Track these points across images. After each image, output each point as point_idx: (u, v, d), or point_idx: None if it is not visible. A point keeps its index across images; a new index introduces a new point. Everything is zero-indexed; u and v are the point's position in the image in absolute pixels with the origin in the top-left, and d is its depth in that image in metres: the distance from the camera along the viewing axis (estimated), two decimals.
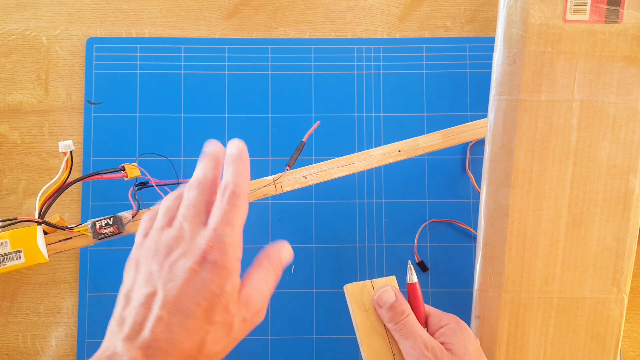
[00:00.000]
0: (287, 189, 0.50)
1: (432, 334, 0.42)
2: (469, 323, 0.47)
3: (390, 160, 0.51)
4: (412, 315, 0.42)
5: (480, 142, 0.59)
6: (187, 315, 0.33)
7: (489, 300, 0.45)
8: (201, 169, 0.39)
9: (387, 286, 0.43)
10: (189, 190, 0.38)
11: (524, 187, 0.44)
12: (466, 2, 0.63)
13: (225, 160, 0.39)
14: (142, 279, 0.35)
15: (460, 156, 0.60)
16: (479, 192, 0.53)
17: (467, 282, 0.58)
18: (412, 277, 0.44)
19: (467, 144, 0.58)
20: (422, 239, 0.59)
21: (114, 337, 0.34)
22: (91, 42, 0.61)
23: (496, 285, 0.45)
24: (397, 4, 0.63)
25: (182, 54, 0.61)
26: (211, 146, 0.40)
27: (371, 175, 0.60)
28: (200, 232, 0.36)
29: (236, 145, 0.39)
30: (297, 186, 0.50)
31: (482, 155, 0.54)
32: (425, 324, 0.44)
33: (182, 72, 0.61)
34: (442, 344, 0.41)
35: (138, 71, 0.61)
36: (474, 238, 0.59)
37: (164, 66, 0.61)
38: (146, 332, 0.33)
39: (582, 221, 0.44)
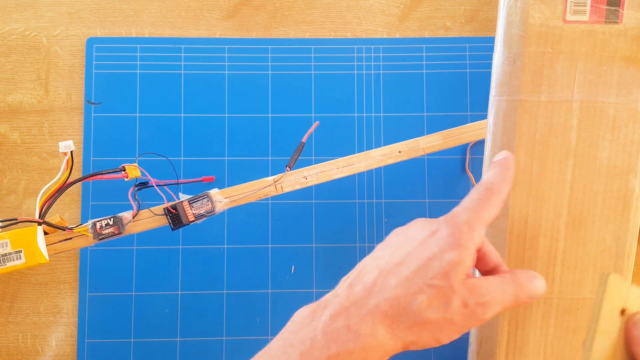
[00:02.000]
0: (287, 189, 0.50)
1: None
2: None
3: (391, 161, 0.51)
4: None
5: (480, 142, 0.59)
6: (406, 266, 0.34)
7: None
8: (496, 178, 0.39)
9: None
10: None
11: (523, 187, 0.44)
12: (466, 2, 0.63)
13: (491, 162, 0.41)
14: (385, 247, 0.38)
15: (460, 156, 0.60)
16: None
17: None
18: None
19: (467, 144, 0.58)
20: None
21: (339, 285, 0.36)
22: (91, 42, 0.61)
23: None
24: (397, 4, 0.63)
25: (182, 54, 0.61)
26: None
27: (371, 175, 0.60)
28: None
29: (504, 154, 0.41)
30: (298, 187, 0.50)
31: (482, 155, 0.54)
32: None
33: (182, 72, 0.61)
34: None
35: (138, 71, 0.61)
36: None
37: (164, 66, 0.61)
38: (367, 278, 0.35)
39: (582, 222, 0.44)
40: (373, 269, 0.36)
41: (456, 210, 0.37)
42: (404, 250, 0.35)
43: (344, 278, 0.37)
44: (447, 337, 0.34)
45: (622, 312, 0.39)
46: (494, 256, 0.39)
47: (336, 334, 0.32)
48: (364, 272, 0.36)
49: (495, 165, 0.40)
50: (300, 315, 0.35)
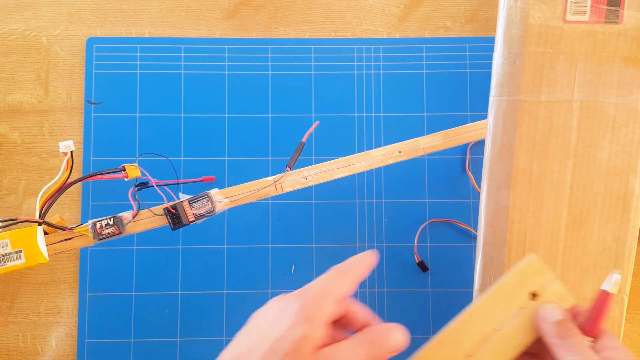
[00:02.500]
0: (287, 189, 0.50)
1: (598, 351, 0.38)
2: None
3: (391, 161, 0.51)
4: (581, 335, 0.37)
5: (481, 142, 0.59)
6: (256, 351, 0.34)
7: None
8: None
9: (552, 304, 0.39)
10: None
11: (524, 187, 0.44)
12: (466, 2, 0.63)
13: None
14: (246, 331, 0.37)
15: (460, 156, 0.60)
16: (479, 193, 0.53)
17: (467, 282, 0.58)
18: (615, 287, 0.39)
19: (467, 144, 0.58)
20: (422, 239, 0.59)
21: None
22: (91, 42, 0.61)
23: None
24: (397, 4, 0.63)
25: (182, 54, 0.61)
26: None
27: (371, 175, 0.60)
28: None
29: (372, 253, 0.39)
30: (298, 187, 0.50)
31: (482, 155, 0.54)
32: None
33: (182, 72, 0.61)
34: None
35: (138, 71, 0.61)
36: (474, 238, 0.59)
37: (164, 66, 0.61)
38: None
39: (582, 222, 0.44)
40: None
41: (308, 285, 0.37)
42: (257, 334, 0.35)
43: None
44: None
45: (533, 295, 0.39)
46: (362, 315, 0.39)
47: None
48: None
49: (358, 255, 0.39)
50: None
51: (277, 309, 0.36)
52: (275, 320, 0.35)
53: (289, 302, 0.36)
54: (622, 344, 0.38)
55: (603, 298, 0.38)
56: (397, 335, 0.36)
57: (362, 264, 0.38)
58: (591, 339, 0.38)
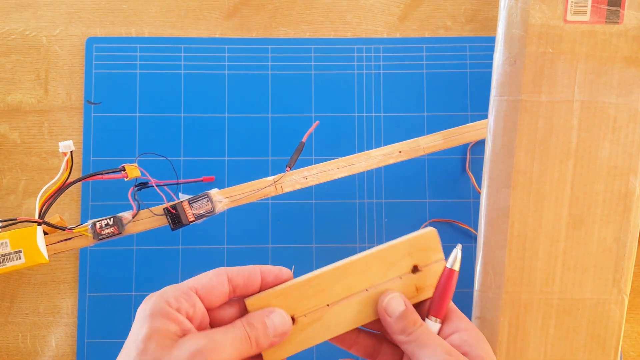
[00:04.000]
0: (287, 189, 0.50)
1: (446, 337, 0.37)
2: None
3: (391, 161, 0.51)
4: (425, 325, 0.36)
5: (481, 142, 0.59)
6: None
7: (489, 301, 0.45)
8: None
9: (395, 293, 0.37)
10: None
11: (524, 187, 0.44)
12: (466, 1, 0.63)
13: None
14: None
15: (461, 156, 0.60)
16: (479, 193, 0.53)
17: (467, 282, 0.58)
18: (457, 264, 0.37)
19: (467, 144, 0.58)
20: None
21: None
22: (91, 41, 0.61)
23: (496, 285, 0.45)
24: (397, 3, 0.63)
25: (182, 54, 0.61)
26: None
27: (371, 175, 0.60)
28: None
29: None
30: (298, 187, 0.50)
31: (483, 155, 0.54)
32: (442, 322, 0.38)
33: (182, 72, 0.61)
34: (463, 354, 0.35)
35: (138, 71, 0.60)
36: (474, 238, 0.59)
37: (163, 66, 0.61)
38: None
39: (583, 222, 0.44)
40: None
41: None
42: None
43: None
44: None
45: (415, 268, 0.38)
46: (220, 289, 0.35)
47: None
48: None
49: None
50: None
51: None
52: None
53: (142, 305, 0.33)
54: (471, 324, 0.37)
55: (448, 276, 0.37)
56: (277, 320, 0.35)
57: (250, 271, 0.36)
58: (439, 320, 0.37)
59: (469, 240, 0.59)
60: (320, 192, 0.59)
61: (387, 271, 0.37)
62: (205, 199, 0.48)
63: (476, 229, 0.57)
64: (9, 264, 0.47)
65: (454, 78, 0.61)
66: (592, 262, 0.45)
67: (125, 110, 0.60)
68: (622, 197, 0.44)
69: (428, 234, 0.38)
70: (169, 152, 0.59)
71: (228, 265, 0.57)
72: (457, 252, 0.37)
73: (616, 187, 0.44)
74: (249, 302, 0.36)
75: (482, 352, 0.35)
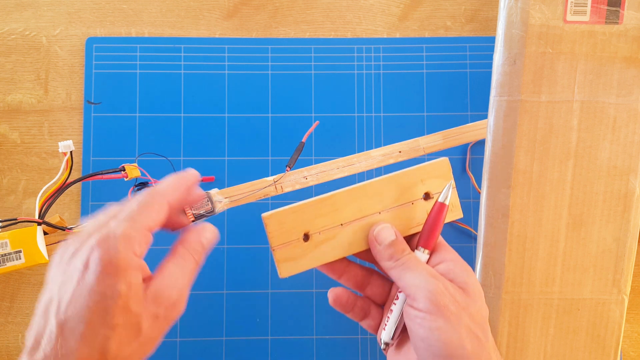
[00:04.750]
0: (287, 189, 0.50)
1: (433, 266, 0.37)
2: None
3: (391, 161, 0.51)
4: (413, 253, 0.37)
5: (481, 142, 0.59)
6: (80, 321, 0.30)
7: (489, 301, 0.45)
8: (163, 182, 0.37)
9: (386, 224, 0.38)
10: (137, 196, 0.35)
11: (524, 188, 0.44)
12: (466, 1, 0.63)
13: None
14: (48, 285, 0.32)
15: (461, 156, 0.60)
16: (479, 193, 0.53)
17: None
18: (447, 198, 0.38)
19: (467, 144, 0.58)
20: None
21: (23, 354, 0.31)
22: (91, 41, 0.61)
23: (496, 286, 0.45)
24: (397, 3, 0.63)
25: (182, 54, 0.61)
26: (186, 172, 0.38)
27: (371, 175, 0.60)
28: (94, 226, 0.33)
29: (190, 171, 0.38)
30: (298, 187, 0.50)
31: (483, 155, 0.54)
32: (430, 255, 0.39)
33: (182, 72, 0.61)
34: (449, 280, 0.36)
35: (138, 71, 0.60)
36: (474, 238, 0.59)
37: (163, 66, 0.61)
38: (44, 343, 0.30)
39: (583, 222, 0.44)
40: (45, 325, 0.31)
41: (111, 225, 0.32)
42: (67, 296, 0.30)
43: (28, 332, 0.32)
44: (149, 352, 0.32)
45: (427, 195, 0.39)
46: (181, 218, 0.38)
47: None
48: (39, 332, 0.31)
49: (169, 176, 0.37)
50: None
51: (80, 264, 0.31)
52: (83, 280, 0.31)
53: (90, 253, 0.31)
54: (458, 256, 0.37)
55: (439, 209, 0.38)
56: (209, 234, 0.37)
57: (174, 185, 0.36)
58: (428, 251, 0.38)
59: (468, 240, 0.59)
60: (320, 192, 0.59)
61: (400, 196, 0.39)
62: (205, 199, 0.48)
63: (476, 229, 0.57)
64: (9, 264, 0.48)
65: (454, 78, 0.61)
66: (592, 262, 0.45)
67: (125, 110, 0.60)
68: (622, 197, 0.44)
69: (440, 162, 0.39)
70: (169, 152, 0.59)
71: (228, 265, 0.58)
72: (449, 187, 0.38)
73: (616, 187, 0.44)
74: (266, 216, 0.38)
75: (467, 279, 0.36)
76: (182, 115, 0.60)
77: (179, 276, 0.34)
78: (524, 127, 0.44)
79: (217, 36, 0.62)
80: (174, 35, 0.62)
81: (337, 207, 0.38)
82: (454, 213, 0.40)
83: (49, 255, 0.48)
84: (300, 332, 0.57)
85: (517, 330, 0.45)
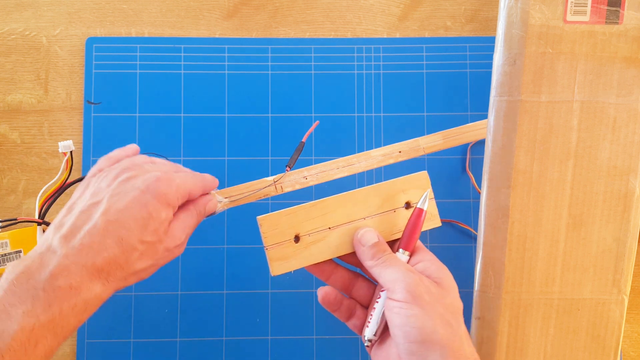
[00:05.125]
0: (287, 189, 0.50)
1: (412, 265, 0.41)
2: (469, 325, 0.47)
3: (391, 161, 0.51)
4: (393, 254, 0.41)
5: (481, 142, 0.59)
6: (123, 226, 0.36)
7: (489, 301, 0.45)
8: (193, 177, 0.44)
9: (369, 227, 0.43)
10: (166, 165, 0.43)
11: (524, 188, 0.44)
12: (466, 2, 0.63)
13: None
14: (89, 193, 0.39)
15: (461, 156, 0.60)
16: (479, 193, 0.53)
17: (467, 282, 0.58)
18: (425, 204, 0.42)
19: (467, 144, 0.58)
20: (422, 239, 0.58)
21: (50, 236, 0.36)
22: (91, 42, 0.61)
23: (496, 286, 0.45)
24: (397, 3, 0.63)
25: (182, 54, 0.61)
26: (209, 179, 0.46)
27: (371, 175, 0.60)
28: (156, 168, 0.41)
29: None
30: (298, 187, 0.50)
31: (483, 155, 0.54)
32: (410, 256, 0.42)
33: (182, 72, 0.61)
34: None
35: (138, 71, 0.61)
36: (474, 238, 0.59)
37: (163, 66, 0.61)
38: (82, 233, 0.36)
39: (583, 222, 0.44)
40: (87, 220, 0.37)
41: (174, 175, 0.40)
42: (120, 205, 0.37)
43: (57, 224, 0.37)
44: (149, 274, 0.40)
45: (408, 205, 0.44)
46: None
47: (59, 292, 0.34)
48: (78, 225, 0.36)
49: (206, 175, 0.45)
50: (13, 272, 0.34)
51: (142, 184, 0.38)
52: (140, 198, 0.38)
53: (151, 180, 0.39)
54: (435, 257, 0.41)
55: (417, 215, 0.42)
56: (211, 204, 0.45)
57: (205, 185, 0.44)
58: (408, 252, 0.41)
59: (468, 240, 0.59)
60: (320, 192, 0.59)
61: (384, 204, 0.43)
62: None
63: (476, 229, 0.57)
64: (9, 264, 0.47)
65: (454, 78, 0.61)
66: (592, 262, 0.45)
67: (125, 110, 0.60)
68: (622, 197, 0.44)
69: (420, 174, 0.44)
70: (169, 152, 0.59)
71: (228, 265, 0.58)
72: (427, 193, 0.42)
73: (616, 187, 0.44)
74: (260, 218, 0.42)
75: (442, 275, 0.40)
76: (182, 115, 0.60)
77: (186, 224, 0.41)
78: (524, 127, 0.44)
79: (217, 36, 0.62)
80: (174, 35, 0.62)
81: (326, 212, 0.42)
82: (433, 222, 0.44)
83: None
84: (300, 332, 0.57)
85: (517, 330, 0.45)
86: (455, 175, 0.60)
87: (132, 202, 0.37)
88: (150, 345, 0.57)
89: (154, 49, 0.61)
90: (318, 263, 0.43)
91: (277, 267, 0.42)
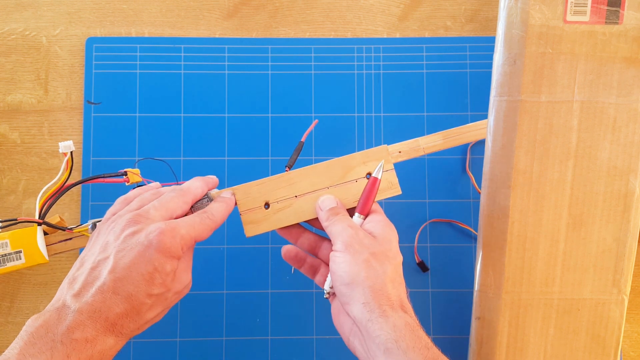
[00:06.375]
0: None
1: (363, 226, 0.45)
2: (469, 325, 0.47)
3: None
4: (344, 215, 0.45)
5: (481, 142, 0.59)
6: (130, 283, 0.38)
7: (489, 301, 0.45)
8: (193, 183, 0.45)
9: (330, 195, 0.47)
10: (171, 191, 0.44)
11: (524, 188, 0.44)
12: (466, 2, 0.63)
13: (219, 197, 0.47)
14: (98, 246, 0.40)
15: (461, 156, 0.60)
16: (479, 193, 0.53)
17: (467, 282, 0.58)
18: (379, 173, 0.47)
19: (467, 144, 0.58)
20: (422, 239, 0.59)
21: (64, 292, 0.38)
22: (91, 42, 0.61)
23: (496, 286, 0.45)
24: (397, 3, 0.63)
25: (182, 54, 0.61)
26: (211, 177, 0.48)
27: None
28: (162, 220, 0.41)
29: (229, 194, 0.47)
30: None
31: (483, 155, 0.54)
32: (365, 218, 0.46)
33: (182, 72, 0.61)
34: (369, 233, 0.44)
35: (138, 71, 0.60)
36: (474, 238, 0.59)
37: (163, 66, 0.61)
38: (93, 290, 0.37)
39: (583, 222, 0.44)
40: (96, 277, 0.38)
41: (178, 222, 0.41)
42: (126, 261, 0.38)
43: (70, 279, 0.39)
44: (161, 317, 0.42)
45: (368, 174, 0.47)
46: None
47: (75, 344, 0.35)
48: (89, 281, 0.38)
49: (221, 200, 0.46)
50: (32, 325, 0.36)
51: (145, 239, 0.39)
52: (144, 253, 0.39)
53: (155, 234, 0.39)
54: (384, 218, 0.46)
55: (372, 182, 0.46)
56: (226, 198, 0.47)
57: (224, 215, 0.45)
58: (363, 216, 0.45)
59: (468, 240, 0.59)
60: None
61: (346, 174, 0.47)
62: (205, 199, 0.48)
63: (476, 229, 0.57)
64: (9, 264, 0.48)
65: (454, 78, 0.61)
66: (592, 263, 0.45)
67: (125, 110, 0.60)
68: (622, 197, 0.44)
69: (381, 148, 0.48)
70: (169, 153, 0.59)
71: (228, 265, 0.58)
72: (381, 163, 0.47)
73: (616, 187, 0.44)
74: (235, 188, 0.47)
75: (380, 231, 0.44)
76: (182, 115, 0.60)
77: (189, 264, 0.43)
78: (524, 127, 0.44)
79: (217, 36, 0.62)
80: (174, 35, 0.62)
81: (292, 182, 0.47)
82: (393, 189, 0.48)
83: (49, 256, 0.48)
84: (300, 332, 0.57)
85: (517, 330, 0.45)
86: (455, 175, 0.60)
87: (137, 258, 0.38)
88: (150, 345, 0.57)
89: (154, 49, 0.61)
90: (286, 227, 0.47)
91: (250, 229, 0.47)
